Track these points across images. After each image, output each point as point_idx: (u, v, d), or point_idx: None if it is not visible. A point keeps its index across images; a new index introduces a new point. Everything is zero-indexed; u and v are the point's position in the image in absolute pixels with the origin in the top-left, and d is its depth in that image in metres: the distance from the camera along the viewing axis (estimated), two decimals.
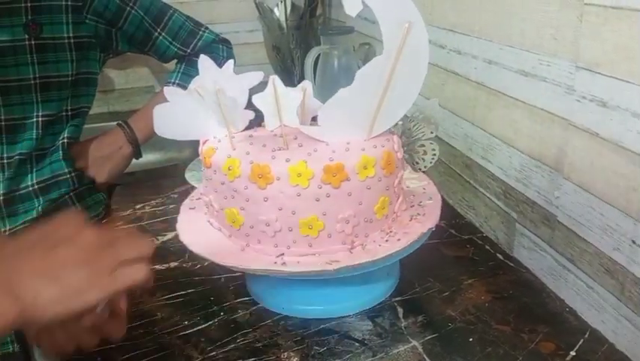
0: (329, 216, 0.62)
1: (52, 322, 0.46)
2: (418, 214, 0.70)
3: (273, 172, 0.60)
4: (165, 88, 0.67)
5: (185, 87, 1.17)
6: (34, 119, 0.98)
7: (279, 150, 0.63)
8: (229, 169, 0.62)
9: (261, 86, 0.66)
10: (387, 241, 0.65)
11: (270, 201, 0.61)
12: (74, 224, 0.50)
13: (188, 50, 1.16)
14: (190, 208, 0.75)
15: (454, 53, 0.92)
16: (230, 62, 0.66)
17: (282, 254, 0.63)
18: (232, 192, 0.63)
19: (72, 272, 0.47)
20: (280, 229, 0.62)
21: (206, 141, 0.69)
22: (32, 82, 0.96)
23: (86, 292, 0.47)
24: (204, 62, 0.66)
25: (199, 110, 0.67)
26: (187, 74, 1.17)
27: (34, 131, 0.99)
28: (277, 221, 0.62)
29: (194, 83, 0.65)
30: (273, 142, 0.65)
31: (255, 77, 0.66)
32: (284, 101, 0.63)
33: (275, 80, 0.62)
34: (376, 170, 0.62)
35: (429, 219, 0.69)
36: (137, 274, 0.50)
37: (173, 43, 1.14)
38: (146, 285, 0.51)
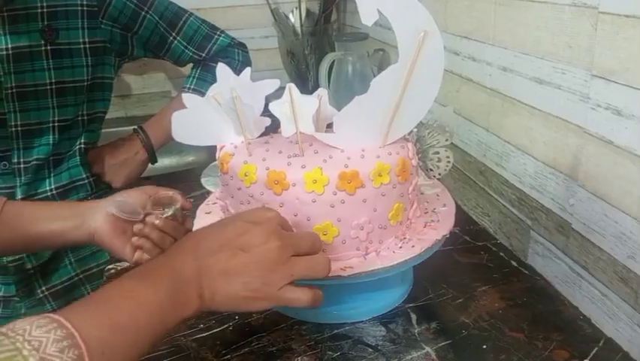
0: (344, 223, 0.62)
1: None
2: (433, 221, 0.70)
3: (288, 178, 0.61)
4: (183, 95, 0.68)
5: (200, 92, 1.19)
6: (50, 124, 0.99)
7: (295, 156, 0.63)
8: (245, 175, 0.63)
9: (278, 92, 0.67)
10: (401, 247, 0.65)
11: (285, 207, 0.62)
12: (264, 231, 0.54)
13: (204, 54, 1.17)
14: (206, 213, 0.75)
15: (469, 59, 0.92)
16: (248, 70, 0.66)
17: None
18: (248, 197, 0.64)
19: (249, 279, 0.53)
20: None
21: (223, 146, 0.70)
22: (48, 87, 0.97)
23: (254, 301, 0.53)
24: (222, 69, 0.66)
25: (216, 117, 0.68)
26: (202, 79, 1.18)
27: (51, 136, 1.00)
28: (292, 227, 0.62)
29: (212, 91, 0.66)
30: (288, 148, 0.65)
31: (271, 84, 0.66)
32: (300, 108, 0.64)
33: (292, 87, 0.63)
34: (391, 177, 0.63)
35: (443, 226, 0.69)
36: (303, 297, 0.55)
37: (189, 47, 1.15)
38: (310, 307, 0.56)
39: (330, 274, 0.61)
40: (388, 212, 0.64)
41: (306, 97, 0.64)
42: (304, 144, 0.65)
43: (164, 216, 0.74)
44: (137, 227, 0.74)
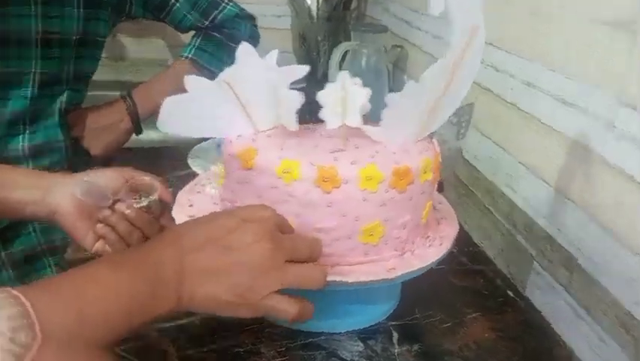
0: (389, 222, 0.59)
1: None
2: (441, 218, 0.70)
3: (340, 175, 0.55)
4: (186, 77, 0.59)
5: (198, 63, 1.12)
6: (31, 76, 0.92)
7: (339, 151, 0.58)
8: (284, 172, 0.57)
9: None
10: (430, 245, 0.64)
11: (333, 206, 0.56)
12: (256, 230, 0.49)
13: (207, 22, 1.11)
14: (189, 216, 0.66)
15: (491, 68, 0.87)
16: (274, 52, 0.60)
17: (337, 264, 0.59)
18: (287, 196, 0.57)
19: (232, 281, 0.48)
20: (338, 238, 0.58)
21: (231, 139, 0.63)
22: (33, 36, 0.90)
23: (236, 307, 0.49)
24: (244, 49, 0.59)
25: (224, 105, 0.61)
26: (202, 49, 1.12)
27: (30, 89, 0.93)
28: (337, 229, 0.57)
29: (226, 74, 0.59)
30: (324, 142, 0.60)
31: (298, 70, 0.60)
32: (351, 99, 0.58)
33: (345, 75, 0.57)
34: (432, 174, 0.61)
35: (451, 222, 0.69)
36: (290, 308, 0.50)
37: (192, 12, 1.09)
38: (296, 321, 0.51)
39: (375, 278, 0.57)
40: (422, 210, 0.62)
41: (357, 87, 0.58)
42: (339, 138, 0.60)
43: (138, 206, 0.66)
44: (103, 213, 0.65)
